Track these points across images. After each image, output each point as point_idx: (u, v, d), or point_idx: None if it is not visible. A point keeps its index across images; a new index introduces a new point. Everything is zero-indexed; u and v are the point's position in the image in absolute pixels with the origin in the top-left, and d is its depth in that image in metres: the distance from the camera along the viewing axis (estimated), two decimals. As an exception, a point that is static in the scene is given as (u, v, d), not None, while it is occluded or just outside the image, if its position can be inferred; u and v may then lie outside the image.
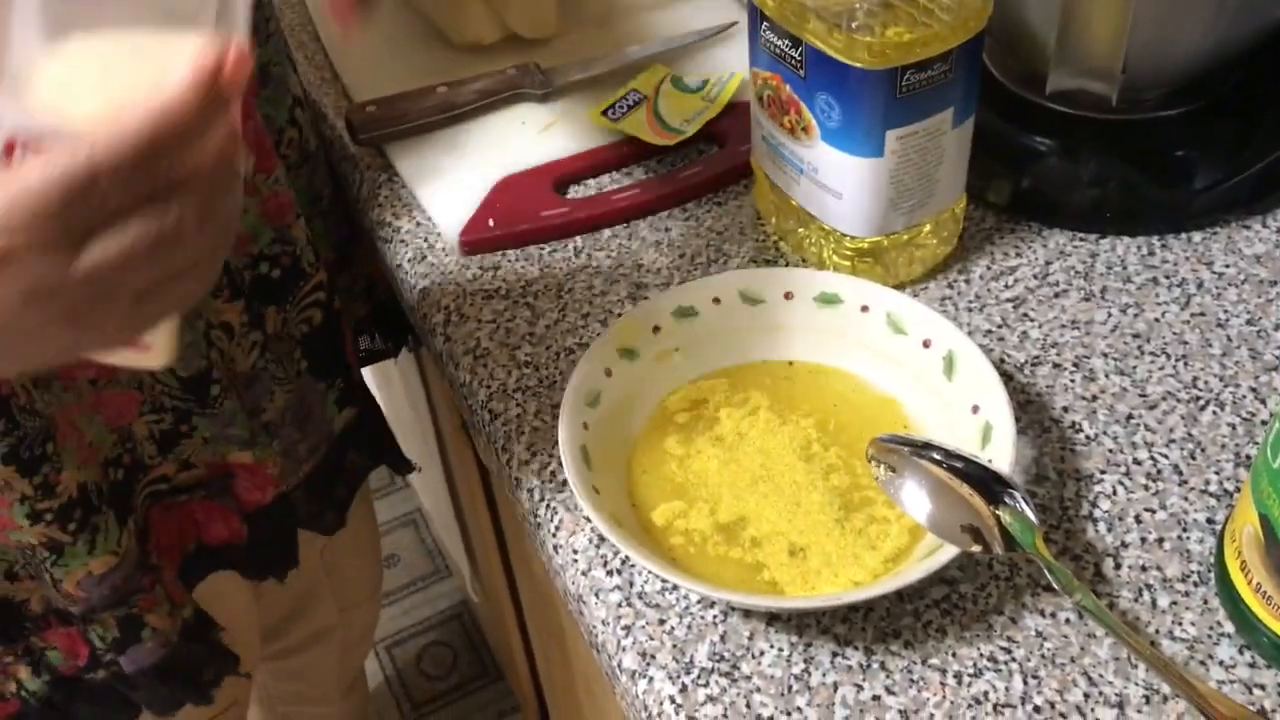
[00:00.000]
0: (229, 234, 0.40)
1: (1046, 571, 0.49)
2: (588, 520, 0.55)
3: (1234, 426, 0.57)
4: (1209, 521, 0.54)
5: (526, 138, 0.76)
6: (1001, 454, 0.51)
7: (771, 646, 0.51)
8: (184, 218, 0.37)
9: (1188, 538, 0.53)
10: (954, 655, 0.50)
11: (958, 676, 0.49)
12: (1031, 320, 0.63)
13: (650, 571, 0.51)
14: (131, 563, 0.65)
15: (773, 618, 0.52)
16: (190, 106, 0.35)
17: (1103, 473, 0.56)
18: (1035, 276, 0.65)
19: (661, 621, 0.52)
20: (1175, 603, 0.51)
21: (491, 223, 0.70)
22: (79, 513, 0.61)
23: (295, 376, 0.71)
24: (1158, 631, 0.50)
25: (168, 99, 0.35)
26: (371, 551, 1.03)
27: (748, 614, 0.52)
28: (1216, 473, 0.55)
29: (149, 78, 0.36)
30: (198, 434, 0.68)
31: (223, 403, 0.66)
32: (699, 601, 0.52)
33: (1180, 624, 0.50)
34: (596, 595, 0.53)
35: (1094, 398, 0.59)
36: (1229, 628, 0.50)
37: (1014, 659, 0.50)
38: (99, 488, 0.62)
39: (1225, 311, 0.62)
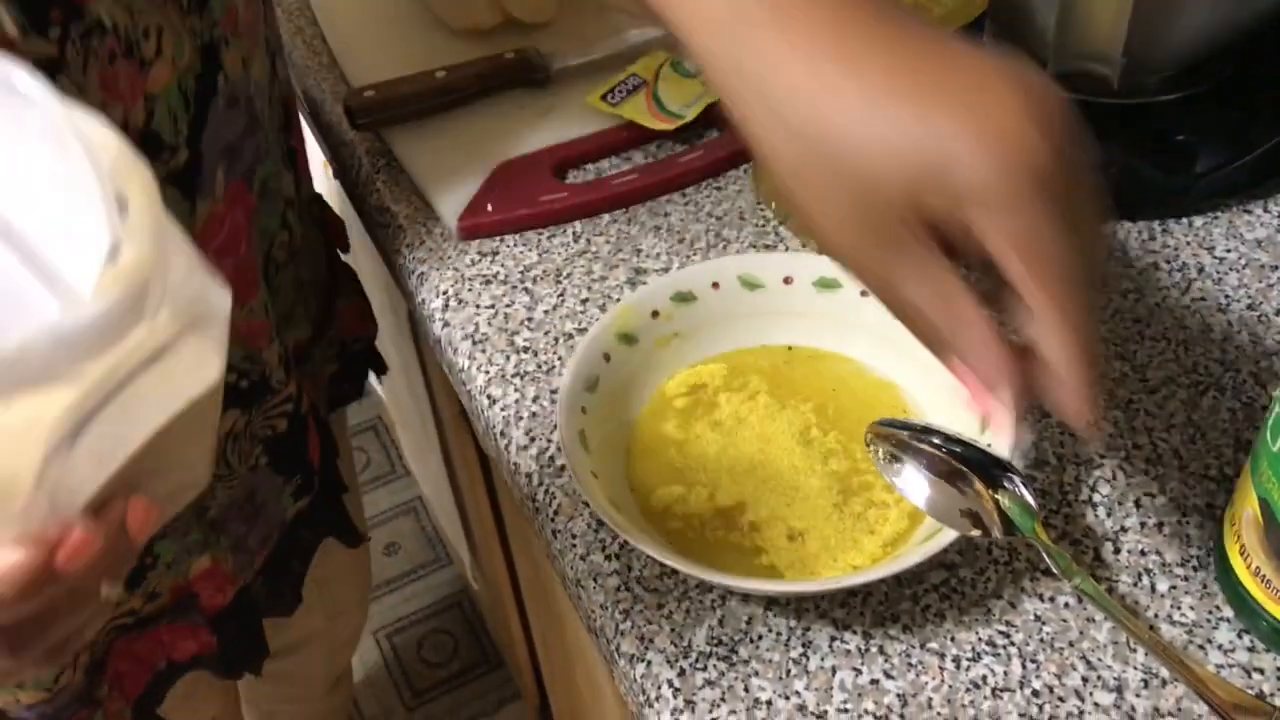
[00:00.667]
0: (66, 647, 0.36)
1: (1046, 556, 0.49)
2: (586, 505, 0.55)
3: (1234, 411, 0.57)
4: (1209, 506, 0.53)
5: (525, 122, 0.76)
6: (1001, 439, 0.51)
7: (770, 630, 0.51)
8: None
9: (1187, 522, 0.53)
10: (952, 639, 0.50)
11: (956, 660, 0.49)
12: (1031, 305, 0.63)
13: (648, 556, 0.51)
14: (68, 696, 0.63)
15: (771, 602, 0.51)
16: (9, 594, 0.31)
17: (1102, 458, 0.56)
18: (1035, 261, 0.65)
19: (660, 606, 0.52)
20: (1174, 587, 0.51)
21: (490, 207, 0.70)
22: None
23: (248, 470, 0.68)
24: (1156, 616, 0.50)
25: None
26: (361, 558, 1.01)
27: (746, 598, 0.52)
28: (1216, 458, 0.55)
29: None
30: (161, 561, 0.65)
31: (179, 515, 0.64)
32: (697, 586, 0.52)
33: (1179, 608, 0.50)
34: (595, 580, 0.53)
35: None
36: (1228, 612, 0.50)
37: (1012, 643, 0.49)
38: None
39: (1226, 296, 0.62)
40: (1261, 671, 0.48)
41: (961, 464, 0.50)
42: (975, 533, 0.49)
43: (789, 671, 0.49)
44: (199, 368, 0.33)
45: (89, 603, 0.34)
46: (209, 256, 0.34)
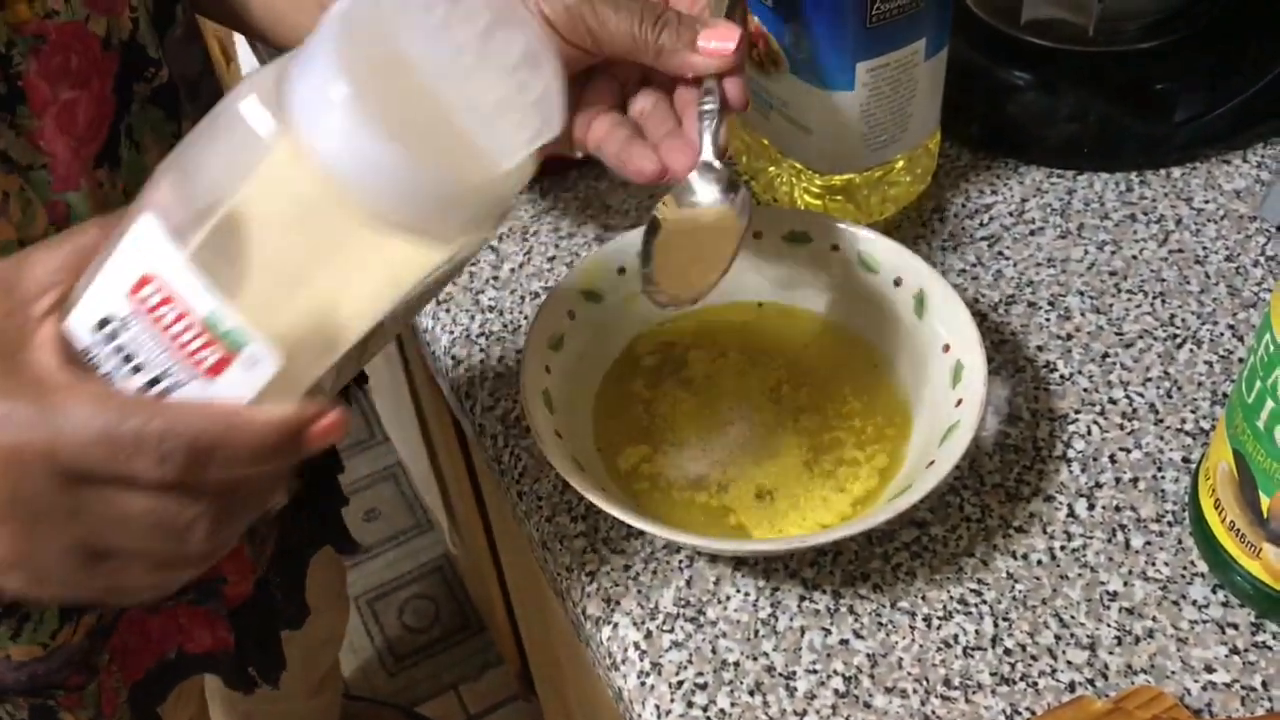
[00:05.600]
0: (227, 548, 0.37)
1: None
2: (552, 466, 0.54)
3: (1211, 364, 0.56)
4: (1184, 461, 0.53)
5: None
6: (972, 393, 0.50)
7: (738, 591, 0.50)
8: (196, 522, 0.34)
9: (1163, 477, 0.52)
10: (923, 598, 0.49)
11: (927, 620, 0.48)
12: (1006, 259, 0.62)
13: (615, 517, 0.50)
14: (62, 658, 0.61)
15: (740, 562, 0.50)
16: (264, 443, 0.33)
17: (1077, 412, 0.55)
18: (1011, 214, 0.64)
19: (626, 568, 0.51)
20: (1149, 543, 0.50)
21: (454, 164, 0.68)
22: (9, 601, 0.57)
23: None
24: (1130, 572, 0.49)
25: (248, 423, 0.33)
26: (332, 556, 1.00)
27: (714, 559, 0.51)
28: (1193, 411, 0.54)
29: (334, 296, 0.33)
30: None
31: None
32: (664, 547, 0.51)
33: (1154, 564, 0.49)
34: (560, 541, 0.52)
35: (1069, 336, 0.58)
36: (1202, 567, 0.49)
37: (985, 601, 0.49)
38: None
39: (1204, 248, 0.61)
40: (1235, 627, 0.47)
41: None
42: None
43: (757, 632, 0.48)
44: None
45: (271, 499, 0.36)
46: None
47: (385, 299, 0.33)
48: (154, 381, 0.33)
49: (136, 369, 0.33)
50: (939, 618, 0.48)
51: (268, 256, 0.32)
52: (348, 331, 0.34)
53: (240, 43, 1.06)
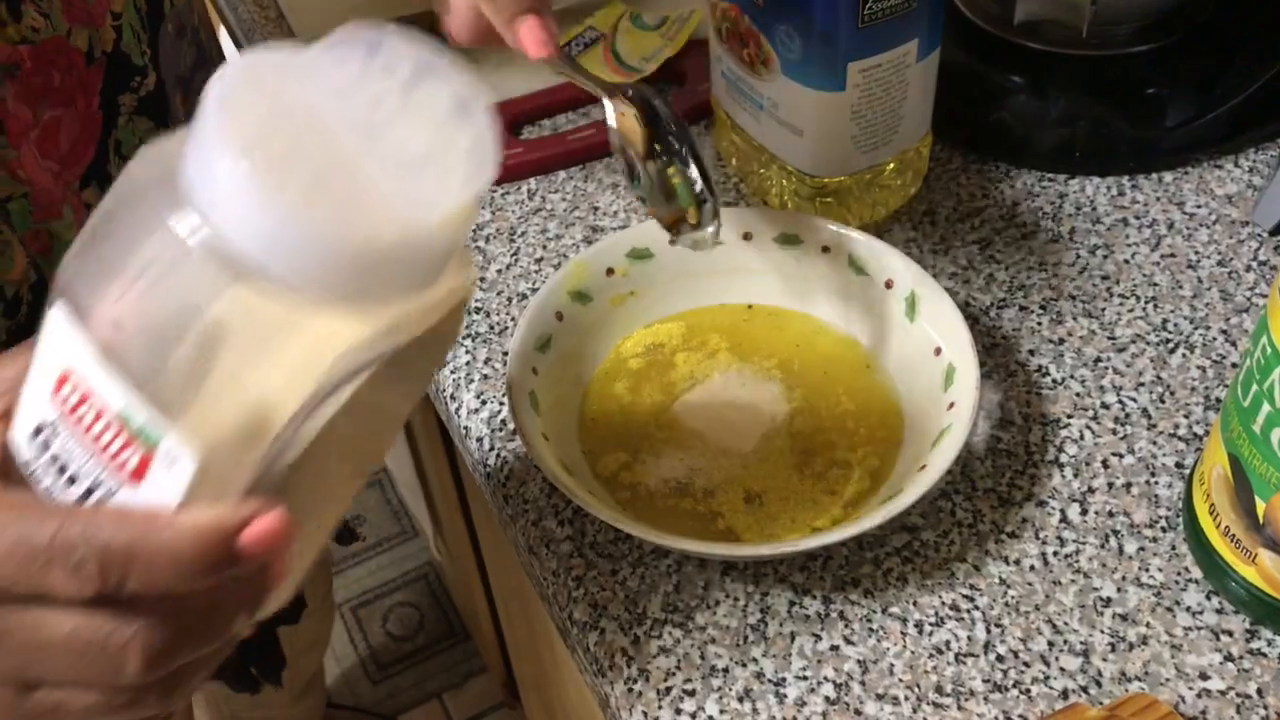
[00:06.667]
0: (183, 689, 0.33)
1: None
2: (538, 469, 0.53)
3: (1204, 369, 0.56)
4: (1178, 466, 0.52)
5: (479, 76, 0.73)
6: (964, 397, 0.49)
7: (727, 596, 0.49)
8: (128, 646, 0.30)
9: (1156, 482, 0.52)
10: (915, 604, 0.48)
11: (919, 625, 0.48)
12: (998, 262, 0.61)
13: (602, 521, 0.49)
14: None
15: (729, 567, 0.50)
16: (185, 551, 0.29)
17: (1070, 417, 0.54)
18: (1002, 218, 0.63)
19: (614, 572, 0.50)
20: (1143, 549, 0.49)
21: (441, 164, 0.67)
22: None
23: None
24: (1124, 578, 0.48)
25: (165, 528, 0.29)
26: (321, 560, 0.99)
27: (702, 564, 0.50)
28: (1186, 416, 0.54)
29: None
30: None
31: None
32: (652, 551, 0.50)
33: (1147, 570, 0.49)
34: (547, 546, 0.51)
35: (1061, 340, 0.57)
36: (1196, 573, 0.48)
37: (977, 607, 0.48)
38: None
39: (1196, 253, 0.61)
40: (1230, 634, 0.47)
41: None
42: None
43: (746, 638, 0.48)
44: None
45: (226, 632, 0.32)
46: None
47: (309, 379, 0.30)
48: (89, 492, 0.30)
49: (71, 480, 0.30)
50: (931, 624, 0.48)
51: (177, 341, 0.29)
52: (272, 417, 0.30)
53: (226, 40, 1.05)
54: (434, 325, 0.31)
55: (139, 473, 0.29)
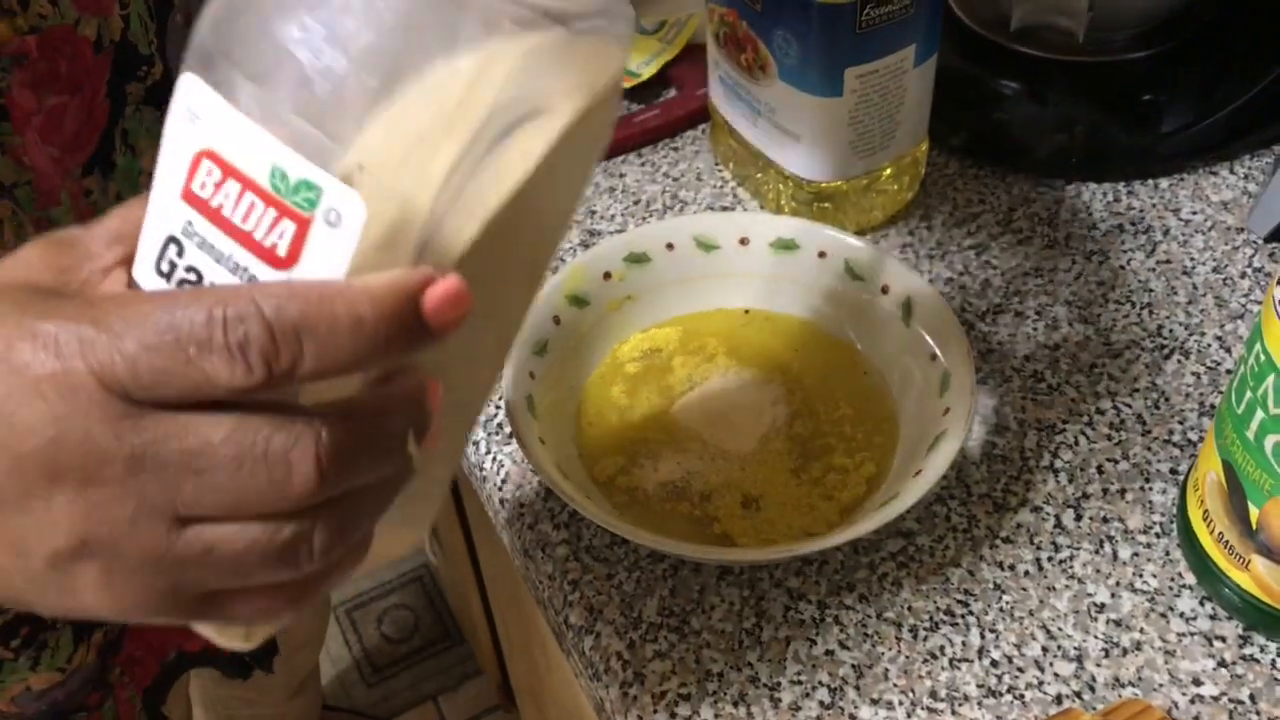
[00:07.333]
0: (357, 531, 0.29)
1: None
2: (533, 473, 0.53)
3: (1198, 375, 0.56)
4: (1172, 472, 0.52)
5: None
6: (959, 402, 0.49)
7: (722, 600, 0.49)
8: (296, 453, 0.26)
9: (1150, 488, 0.52)
10: (910, 609, 0.48)
11: (913, 630, 0.48)
12: (994, 268, 0.61)
13: (598, 525, 0.49)
14: (80, 680, 0.61)
15: (724, 571, 0.50)
16: (365, 317, 0.26)
17: (1065, 423, 0.54)
18: (998, 223, 0.63)
19: (609, 576, 0.50)
20: (1137, 554, 0.50)
21: (439, 168, 0.67)
22: (25, 630, 0.57)
23: None
24: (1118, 584, 0.49)
25: (341, 292, 0.26)
26: None
27: (698, 568, 0.50)
28: (1180, 422, 0.54)
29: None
30: None
31: None
32: (648, 555, 0.51)
33: (1141, 576, 0.49)
34: (543, 549, 0.51)
35: (1057, 346, 0.57)
36: (1190, 579, 0.49)
37: (971, 612, 0.48)
38: None
39: (1191, 259, 0.61)
40: (1223, 640, 0.47)
41: None
42: None
43: (741, 643, 0.48)
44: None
45: (398, 453, 0.28)
46: None
47: (472, 114, 0.26)
48: None
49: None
50: (925, 629, 0.48)
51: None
52: (433, 167, 0.26)
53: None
54: (595, 107, 0.28)
55: (293, 253, 0.26)
